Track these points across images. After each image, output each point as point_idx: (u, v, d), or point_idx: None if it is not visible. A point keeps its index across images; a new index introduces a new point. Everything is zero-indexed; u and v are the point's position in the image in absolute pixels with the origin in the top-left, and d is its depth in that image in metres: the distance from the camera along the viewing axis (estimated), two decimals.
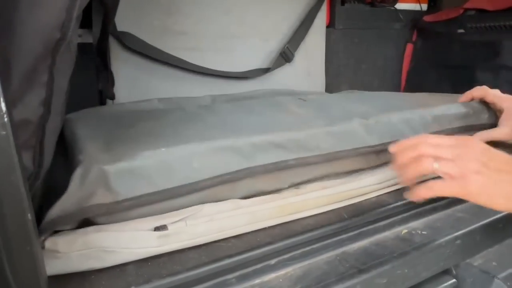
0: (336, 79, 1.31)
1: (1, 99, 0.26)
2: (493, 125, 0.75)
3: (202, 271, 0.40)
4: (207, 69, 0.98)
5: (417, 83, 1.48)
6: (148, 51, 0.89)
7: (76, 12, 0.36)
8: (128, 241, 0.40)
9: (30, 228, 0.29)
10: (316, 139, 0.56)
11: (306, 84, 1.17)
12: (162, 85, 0.93)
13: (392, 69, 1.51)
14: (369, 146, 0.60)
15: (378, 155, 0.64)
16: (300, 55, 1.14)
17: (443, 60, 1.38)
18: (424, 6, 1.54)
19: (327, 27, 1.26)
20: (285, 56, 1.10)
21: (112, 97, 0.85)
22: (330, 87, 1.30)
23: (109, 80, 0.83)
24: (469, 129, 0.73)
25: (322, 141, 0.57)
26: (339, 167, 0.60)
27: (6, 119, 0.26)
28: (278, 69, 1.11)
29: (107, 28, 0.77)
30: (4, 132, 0.26)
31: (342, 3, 1.35)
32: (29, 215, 0.29)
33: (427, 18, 1.45)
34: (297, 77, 1.14)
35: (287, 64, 1.12)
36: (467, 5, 1.33)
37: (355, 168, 0.62)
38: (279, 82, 1.11)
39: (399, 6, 1.47)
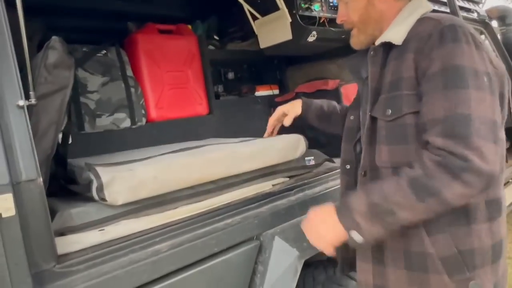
0: None
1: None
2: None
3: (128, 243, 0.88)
4: None
5: None
6: None
7: None
8: (86, 237, 0.87)
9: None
10: None
11: None
12: None
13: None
14: None
15: None
16: None
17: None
18: (276, 91, 2.26)
19: (208, 114, 1.87)
20: None
21: None
22: None
23: None
24: None
25: None
26: None
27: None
28: None
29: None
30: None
31: (217, 97, 1.99)
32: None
33: (277, 99, 2.15)
34: None
35: None
36: (297, 90, 2.06)
37: None
38: None
39: (258, 93, 2.17)
